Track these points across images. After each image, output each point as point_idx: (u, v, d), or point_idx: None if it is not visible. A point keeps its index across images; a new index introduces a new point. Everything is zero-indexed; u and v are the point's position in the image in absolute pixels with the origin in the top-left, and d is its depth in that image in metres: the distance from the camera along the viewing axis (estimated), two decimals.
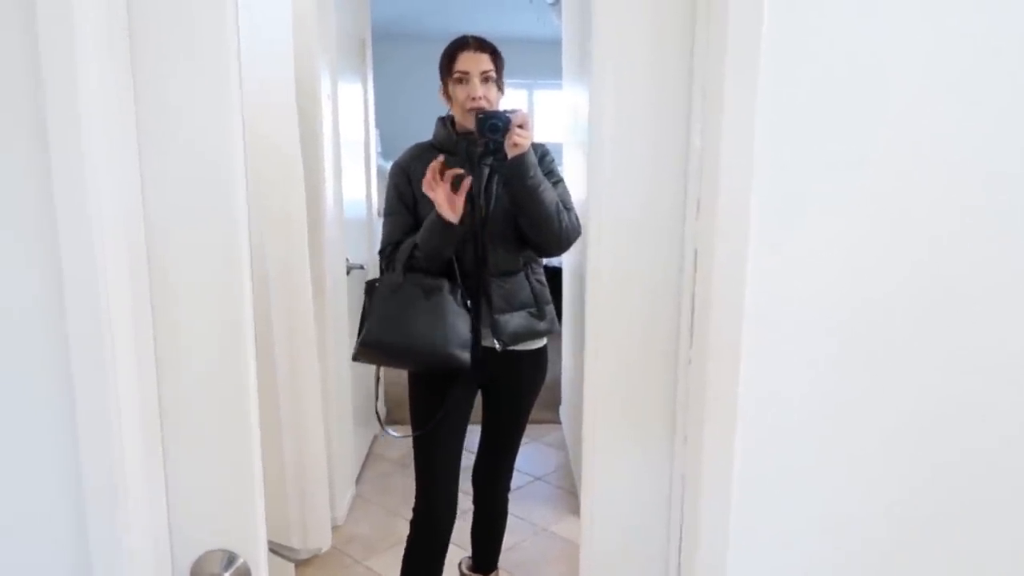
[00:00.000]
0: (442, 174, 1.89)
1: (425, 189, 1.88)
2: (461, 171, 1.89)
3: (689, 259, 0.82)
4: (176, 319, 0.80)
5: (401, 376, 2.19)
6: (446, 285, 1.95)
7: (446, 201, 1.86)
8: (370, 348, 2.00)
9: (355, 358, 2.06)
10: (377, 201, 4.21)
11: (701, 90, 0.79)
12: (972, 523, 0.83)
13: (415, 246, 1.96)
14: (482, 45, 1.99)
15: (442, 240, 1.91)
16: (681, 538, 0.89)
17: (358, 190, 3.78)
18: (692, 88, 0.81)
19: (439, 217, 1.88)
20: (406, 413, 2.14)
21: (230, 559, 0.84)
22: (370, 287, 2.06)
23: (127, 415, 0.76)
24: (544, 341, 2.17)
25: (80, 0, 0.68)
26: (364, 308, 2.05)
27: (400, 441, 3.98)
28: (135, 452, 0.77)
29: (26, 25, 0.68)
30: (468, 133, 1.99)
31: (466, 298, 1.97)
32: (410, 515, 2.15)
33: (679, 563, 0.90)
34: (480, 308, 2.01)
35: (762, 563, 0.83)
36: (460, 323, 1.94)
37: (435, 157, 2.00)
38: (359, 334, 2.03)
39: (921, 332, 0.78)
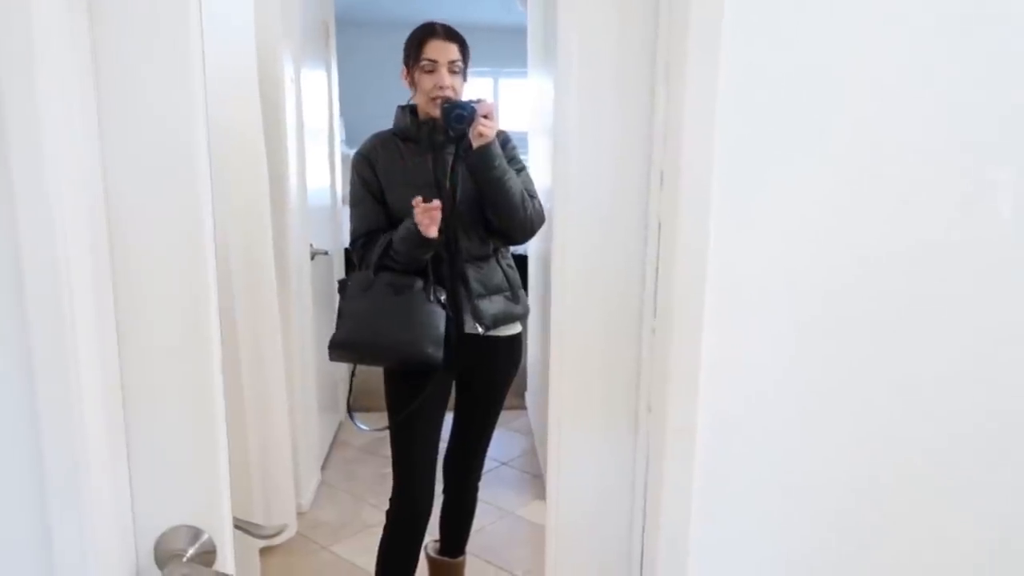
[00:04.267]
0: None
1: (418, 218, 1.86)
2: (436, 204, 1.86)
3: (653, 233, 0.84)
4: (138, 295, 0.79)
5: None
6: (418, 283, 1.95)
7: (427, 219, 1.86)
8: (341, 348, 2.00)
9: (332, 358, 2.05)
10: (341, 188, 4.18)
11: (665, 67, 0.80)
12: (941, 491, 0.85)
13: (389, 245, 1.95)
14: (451, 35, 1.99)
15: (421, 251, 1.92)
16: (645, 514, 0.91)
17: (322, 177, 3.74)
18: (656, 67, 0.83)
19: (419, 233, 1.87)
20: (376, 401, 2.13)
21: (195, 535, 0.84)
22: (342, 286, 2.05)
23: (88, 391, 0.74)
24: (519, 327, 2.18)
25: None
26: (339, 308, 2.05)
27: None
28: (97, 428, 0.76)
29: None
30: (430, 121, 1.98)
31: (439, 294, 1.96)
32: (375, 501, 2.16)
33: (643, 539, 0.92)
34: (459, 295, 2.01)
35: (725, 532, 0.85)
36: (433, 320, 1.94)
37: (397, 145, 2.00)
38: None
39: (883, 305, 0.80)
